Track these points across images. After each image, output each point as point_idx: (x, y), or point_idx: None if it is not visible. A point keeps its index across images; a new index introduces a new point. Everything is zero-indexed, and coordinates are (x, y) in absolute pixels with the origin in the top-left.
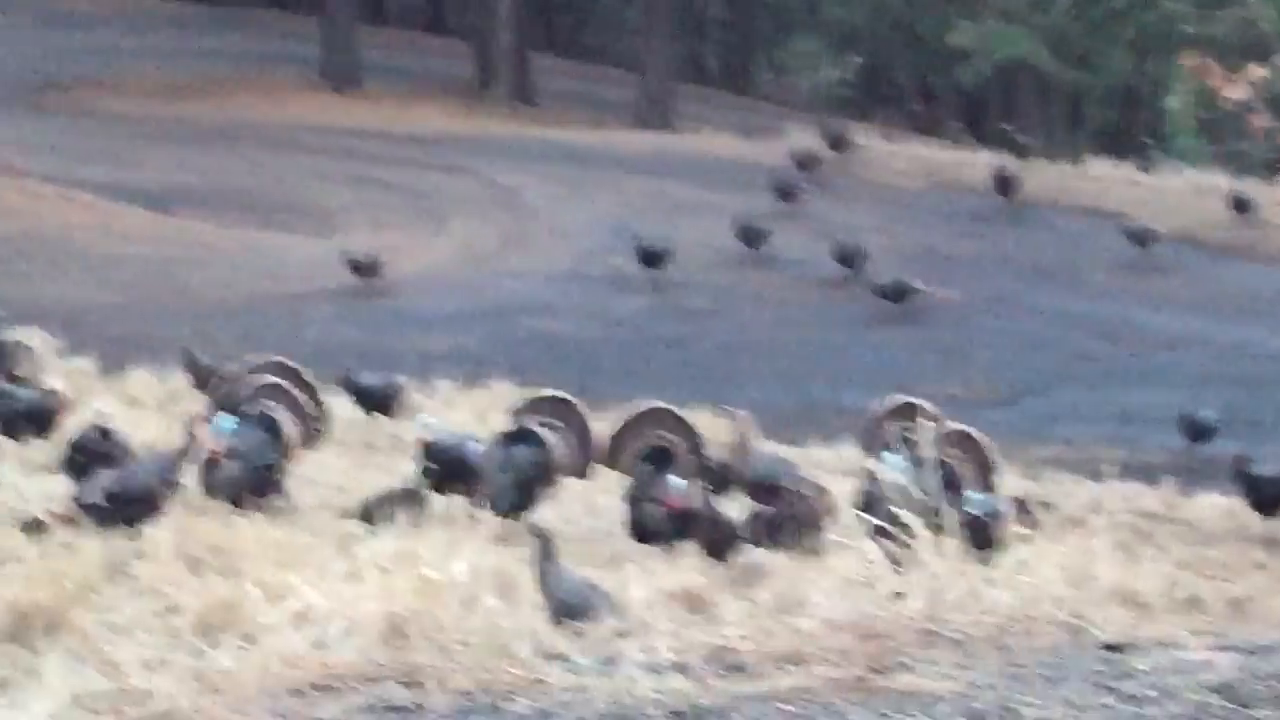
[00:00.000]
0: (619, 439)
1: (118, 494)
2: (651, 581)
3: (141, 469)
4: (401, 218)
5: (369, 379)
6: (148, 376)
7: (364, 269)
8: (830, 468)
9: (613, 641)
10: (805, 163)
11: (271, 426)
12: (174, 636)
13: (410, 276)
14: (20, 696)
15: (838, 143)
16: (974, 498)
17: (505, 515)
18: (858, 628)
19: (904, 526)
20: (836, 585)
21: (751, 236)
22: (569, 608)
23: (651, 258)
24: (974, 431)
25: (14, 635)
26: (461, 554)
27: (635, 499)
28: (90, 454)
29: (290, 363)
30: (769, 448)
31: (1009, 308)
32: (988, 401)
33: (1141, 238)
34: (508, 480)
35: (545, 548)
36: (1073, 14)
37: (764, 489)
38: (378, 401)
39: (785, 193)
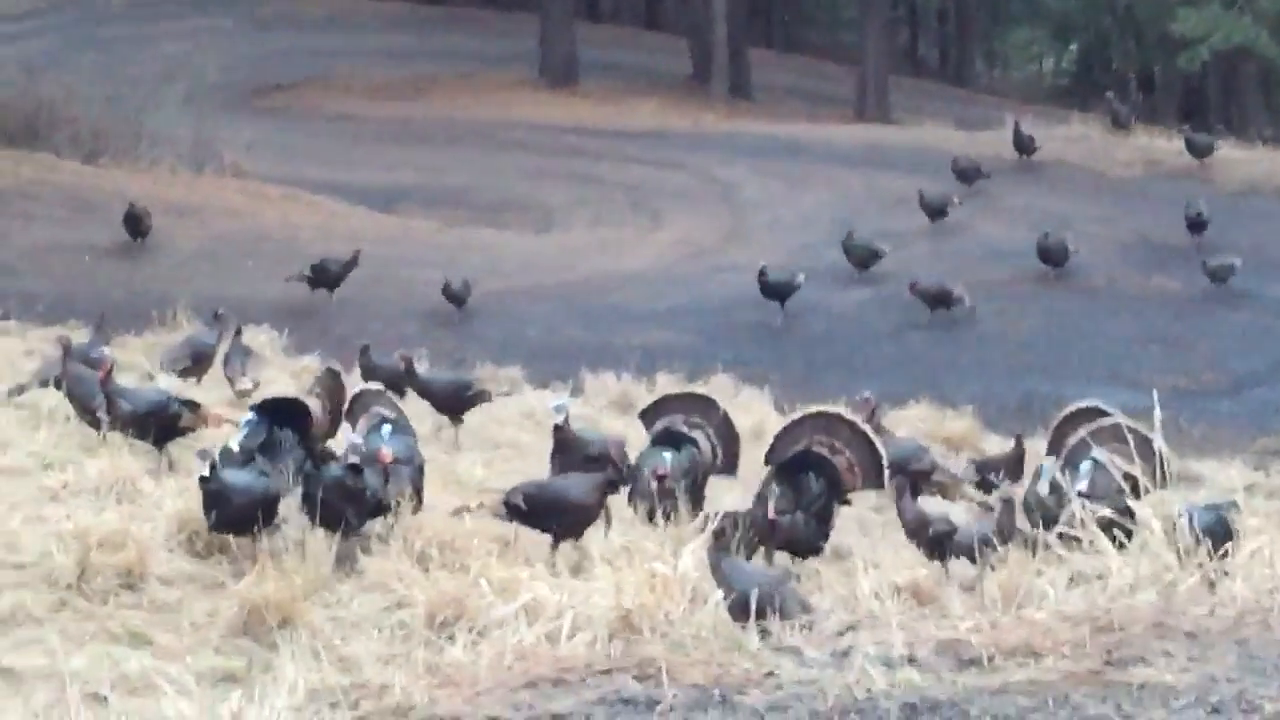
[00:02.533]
0: (778, 442)
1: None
2: (879, 574)
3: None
4: (619, 214)
5: (381, 359)
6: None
7: (454, 296)
8: None
9: (843, 634)
10: (1025, 147)
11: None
12: (405, 631)
13: (629, 272)
14: (258, 691)
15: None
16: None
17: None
18: (1090, 620)
19: (1131, 517)
20: (1065, 578)
21: (934, 210)
22: (746, 601)
23: (867, 258)
24: (1154, 437)
25: (248, 630)
26: (688, 548)
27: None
28: None
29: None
30: (901, 433)
31: (1232, 297)
32: (1212, 392)
33: None
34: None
35: (720, 541)
36: None
37: (900, 473)
38: (390, 382)
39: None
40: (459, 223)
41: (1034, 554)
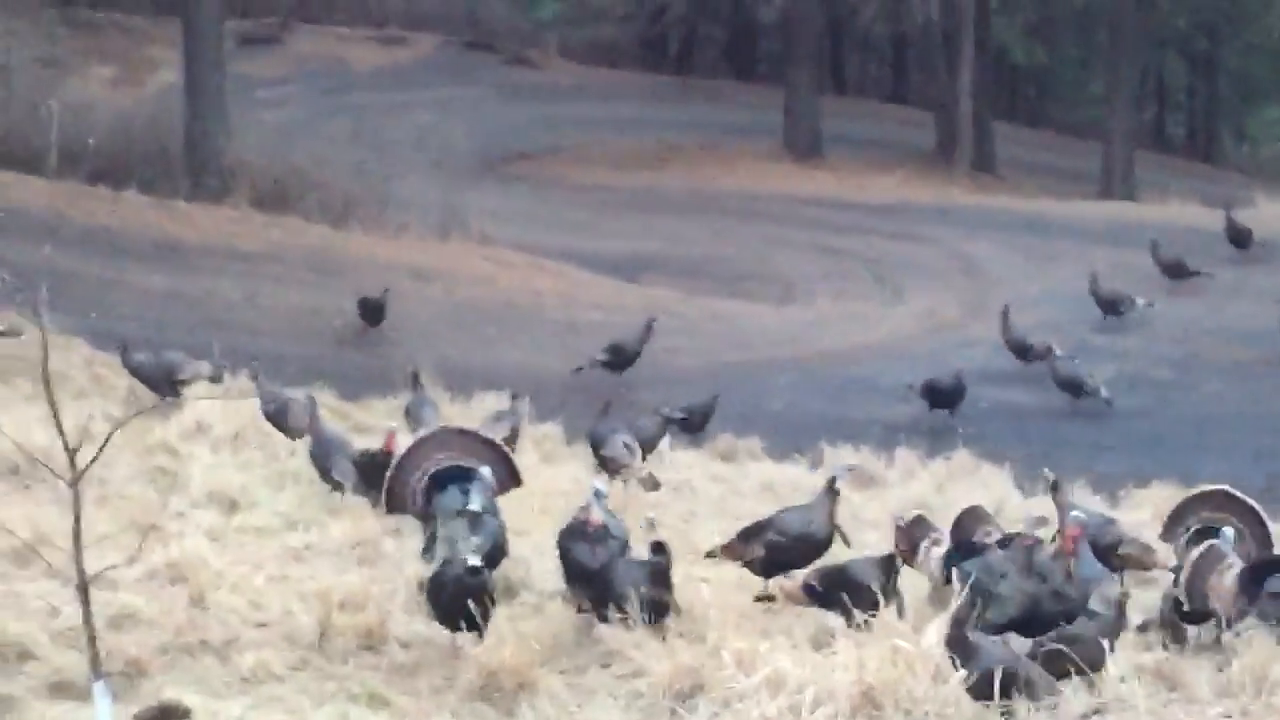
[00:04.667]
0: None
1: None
2: (1123, 655)
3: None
4: (862, 286)
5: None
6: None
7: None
8: None
9: (1089, 718)
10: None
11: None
12: (642, 701)
13: (870, 344)
14: None
15: None
16: None
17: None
18: None
19: None
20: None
21: (1172, 268)
22: (990, 680)
23: (1115, 303)
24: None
25: (485, 695)
26: (932, 625)
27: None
28: None
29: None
30: (1094, 507)
31: None
32: None
33: None
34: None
35: (960, 616)
36: None
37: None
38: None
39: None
40: (701, 293)
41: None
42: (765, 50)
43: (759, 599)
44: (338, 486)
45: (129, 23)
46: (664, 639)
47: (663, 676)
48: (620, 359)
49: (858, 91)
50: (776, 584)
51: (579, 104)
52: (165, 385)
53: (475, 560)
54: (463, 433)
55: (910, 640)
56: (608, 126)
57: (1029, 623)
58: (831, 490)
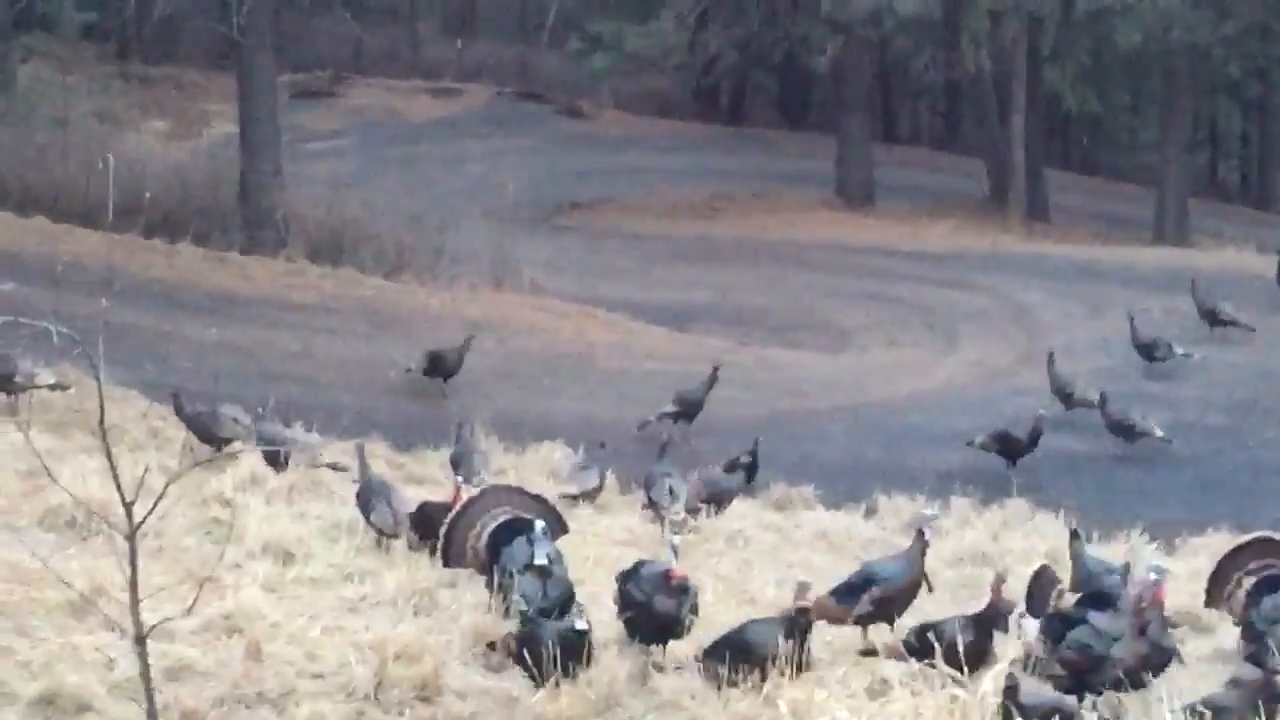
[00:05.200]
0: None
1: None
2: (1179, 699)
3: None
4: (914, 334)
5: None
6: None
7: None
8: None
9: None
10: None
11: None
12: None
13: (924, 392)
14: None
15: None
16: None
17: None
18: None
19: None
20: None
21: (1210, 315)
22: None
23: (1152, 348)
24: None
25: None
26: (988, 674)
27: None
28: None
29: None
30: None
31: None
32: None
33: None
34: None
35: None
36: None
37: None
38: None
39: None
40: (754, 342)
41: None
42: (817, 99)
43: (864, 653)
44: (379, 532)
45: (184, 76)
46: (719, 689)
47: None
48: (688, 409)
49: (910, 140)
50: (878, 639)
51: (631, 154)
52: (215, 439)
53: (581, 624)
54: (515, 489)
55: (968, 690)
56: (659, 176)
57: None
58: (921, 540)
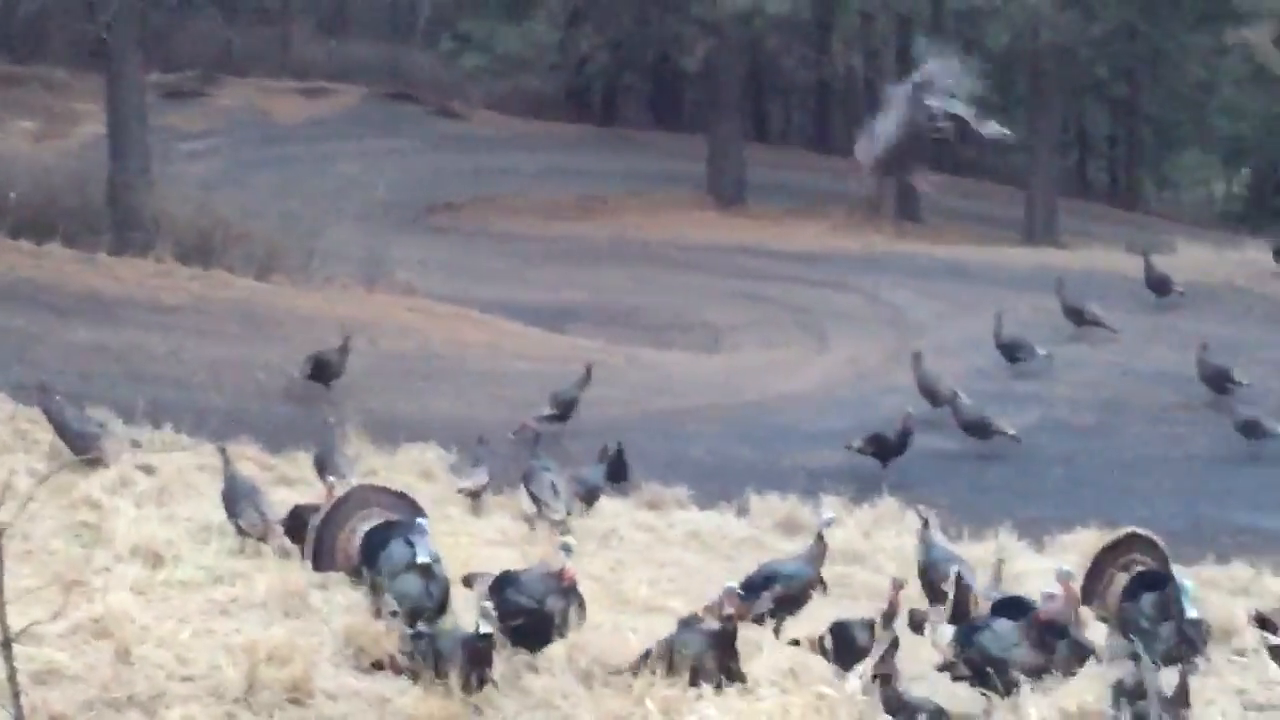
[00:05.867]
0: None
1: None
2: (1047, 699)
3: None
4: (786, 334)
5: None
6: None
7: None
8: (1223, 587)
9: None
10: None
11: None
12: None
13: (795, 392)
14: None
15: None
16: None
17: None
18: None
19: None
20: (1233, 705)
21: (1075, 314)
22: None
23: (1015, 351)
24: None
25: None
26: (854, 672)
27: None
28: None
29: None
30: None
31: None
32: None
33: None
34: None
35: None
36: None
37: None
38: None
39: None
40: (627, 341)
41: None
42: (689, 99)
43: (792, 643)
44: (241, 532)
45: (51, 76)
46: (591, 688)
47: None
48: (565, 410)
49: (782, 140)
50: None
51: (503, 154)
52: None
53: (486, 628)
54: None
55: (835, 688)
56: (532, 177)
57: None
58: (821, 542)
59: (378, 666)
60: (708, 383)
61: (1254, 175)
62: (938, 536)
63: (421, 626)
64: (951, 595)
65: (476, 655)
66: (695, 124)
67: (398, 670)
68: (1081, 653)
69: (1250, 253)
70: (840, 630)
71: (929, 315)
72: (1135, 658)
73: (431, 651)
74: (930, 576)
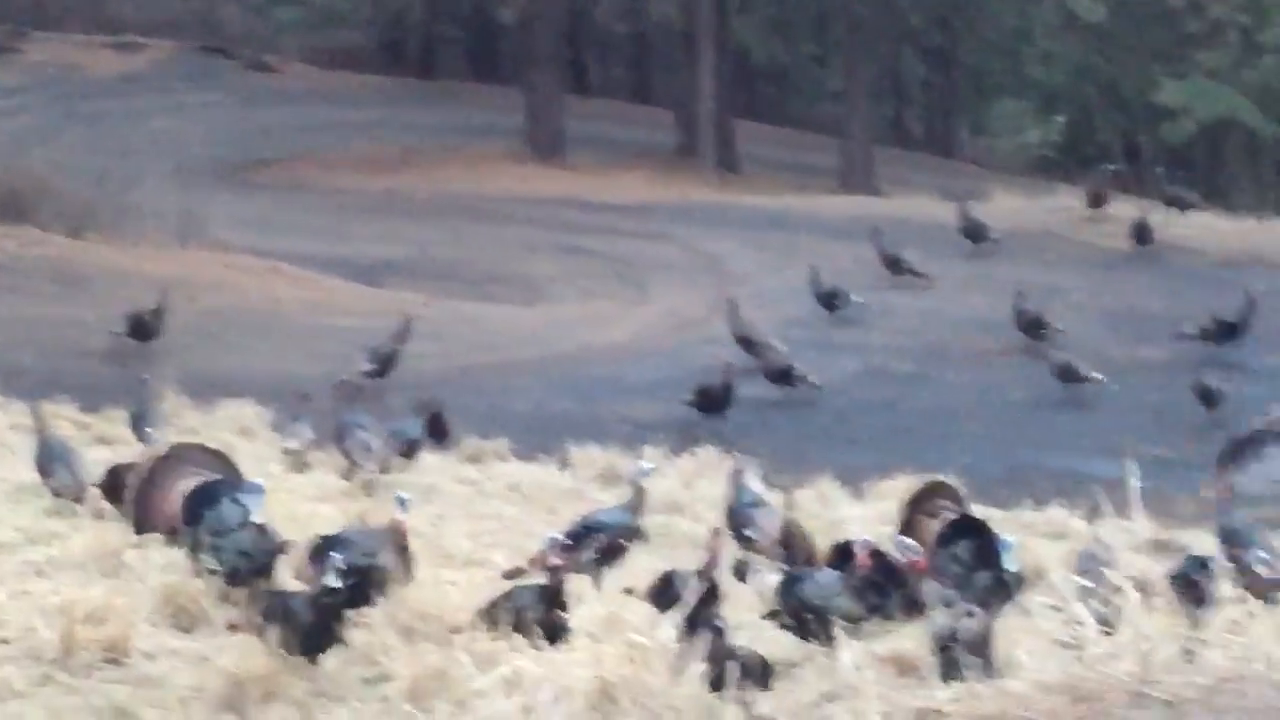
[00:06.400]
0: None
1: None
2: (863, 644)
3: None
4: (607, 286)
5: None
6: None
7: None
8: (1039, 531)
9: (820, 705)
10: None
11: None
12: (386, 704)
13: (616, 344)
14: None
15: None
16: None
17: None
18: (1067, 689)
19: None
20: (1044, 647)
21: (892, 263)
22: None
23: (831, 299)
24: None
25: (230, 704)
26: (666, 619)
27: None
28: None
29: None
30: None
31: (1218, 367)
32: (1196, 463)
33: None
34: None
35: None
36: None
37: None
38: None
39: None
40: (446, 295)
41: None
42: (506, 51)
43: (508, 575)
44: (58, 495)
45: None
46: (412, 643)
47: (407, 679)
48: (384, 363)
49: (600, 92)
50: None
51: (319, 109)
52: None
53: (334, 581)
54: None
55: (647, 635)
56: (349, 131)
57: None
58: (640, 491)
59: (233, 629)
60: (528, 336)
61: (1068, 123)
62: (753, 484)
63: (263, 591)
64: (784, 543)
65: (328, 611)
66: (514, 76)
67: (249, 631)
68: (915, 606)
69: (1065, 199)
70: (673, 580)
71: (749, 265)
72: (949, 603)
73: (281, 610)
74: (736, 523)
